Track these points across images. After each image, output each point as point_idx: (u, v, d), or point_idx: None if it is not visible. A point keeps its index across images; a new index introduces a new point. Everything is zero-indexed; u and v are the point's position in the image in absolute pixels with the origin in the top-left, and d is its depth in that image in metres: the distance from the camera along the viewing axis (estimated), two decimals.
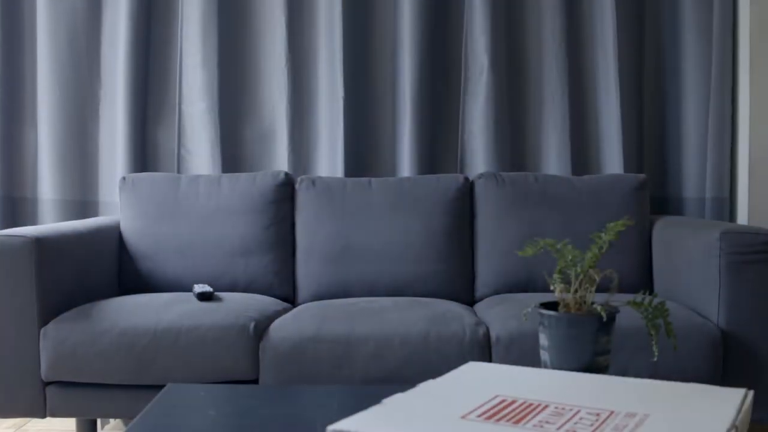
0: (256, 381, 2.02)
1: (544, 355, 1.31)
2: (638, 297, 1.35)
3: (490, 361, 1.98)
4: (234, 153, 2.84)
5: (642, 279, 2.45)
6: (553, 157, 2.78)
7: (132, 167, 2.77)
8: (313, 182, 2.56)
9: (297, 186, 2.58)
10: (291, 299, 2.51)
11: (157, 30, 2.84)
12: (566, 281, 1.32)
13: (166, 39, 2.84)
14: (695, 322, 2.00)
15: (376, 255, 2.46)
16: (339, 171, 2.75)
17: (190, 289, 2.41)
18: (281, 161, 2.81)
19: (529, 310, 2.04)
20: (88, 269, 2.31)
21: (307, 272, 2.50)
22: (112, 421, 2.52)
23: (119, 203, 2.60)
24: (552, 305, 1.35)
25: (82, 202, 2.84)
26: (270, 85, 2.82)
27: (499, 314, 2.09)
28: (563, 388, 1.04)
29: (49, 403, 2.06)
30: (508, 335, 1.98)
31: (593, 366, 1.26)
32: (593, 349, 1.25)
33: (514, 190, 2.52)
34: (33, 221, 2.83)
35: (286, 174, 2.58)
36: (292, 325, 2.05)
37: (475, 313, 2.20)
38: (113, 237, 2.51)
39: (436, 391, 1.02)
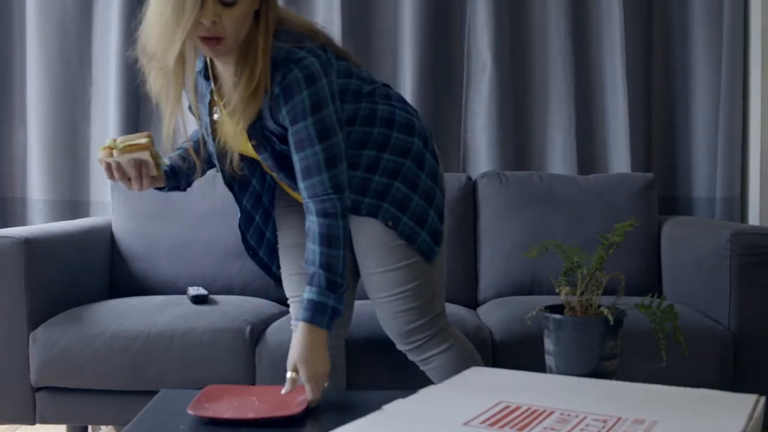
0: None
1: (549, 360, 1.29)
2: (646, 300, 1.34)
3: (493, 365, 1.97)
4: None
5: (650, 281, 2.43)
6: (558, 155, 2.76)
7: None
8: None
9: None
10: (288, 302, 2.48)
11: None
12: (572, 283, 1.31)
13: None
14: (705, 326, 2.01)
15: None
16: None
17: (184, 292, 2.39)
18: None
19: (534, 313, 2.01)
20: (79, 271, 2.30)
21: None
22: (103, 427, 2.49)
23: (111, 203, 2.58)
24: (557, 308, 1.34)
25: (73, 202, 2.81)
26: None
27: (503, 317, 2.08)
28: (569, 393, 1.03)
29: (39, 409, 2.05)
30: (512, 339, 1.98)
31: (600, 371, 1.26)
32: (600, 353, 1.26)
33: (519, 189, 2.50)
34: (23, 222, 2.82)
35: None
36: (289, 328, 2.02)
37: (477, 316, 2.20)
38: (105, 238, 2.49)
39: (438, 397, 1.01)
